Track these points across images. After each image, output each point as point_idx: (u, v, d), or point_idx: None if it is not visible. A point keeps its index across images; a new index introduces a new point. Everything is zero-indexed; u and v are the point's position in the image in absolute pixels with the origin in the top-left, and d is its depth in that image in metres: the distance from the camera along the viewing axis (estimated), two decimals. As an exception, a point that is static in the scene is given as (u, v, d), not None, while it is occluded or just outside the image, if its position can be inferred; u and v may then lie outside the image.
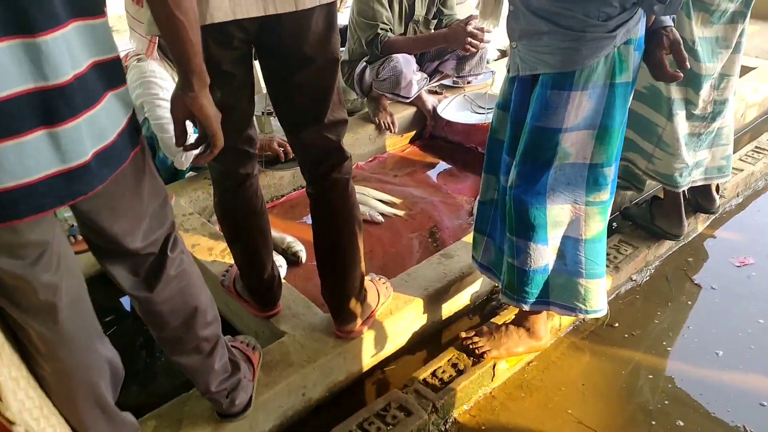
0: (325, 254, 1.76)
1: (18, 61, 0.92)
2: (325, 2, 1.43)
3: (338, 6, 1.48)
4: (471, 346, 1.91)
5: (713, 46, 1.99)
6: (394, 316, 1.95)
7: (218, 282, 2.07)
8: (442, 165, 3.16)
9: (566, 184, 1.67)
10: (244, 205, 1.74)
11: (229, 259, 2.09)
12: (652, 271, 2.38)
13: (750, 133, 3.41)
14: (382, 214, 2.69)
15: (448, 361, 1.90)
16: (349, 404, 1.85)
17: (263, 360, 1.78)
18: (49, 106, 0.97)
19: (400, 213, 2.73)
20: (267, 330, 1.95)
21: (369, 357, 1.94)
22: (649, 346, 2.05)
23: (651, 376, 1.94)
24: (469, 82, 3.25)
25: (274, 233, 2.52)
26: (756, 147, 2.96)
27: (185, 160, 2.42)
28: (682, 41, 1.58)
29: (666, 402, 1.85)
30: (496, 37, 3.97)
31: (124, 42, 2.44)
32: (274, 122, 2.60)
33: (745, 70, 3.31)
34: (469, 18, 2.76)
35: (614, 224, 2.49)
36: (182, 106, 1.21)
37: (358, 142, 3.07)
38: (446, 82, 3.35)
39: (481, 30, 2.75)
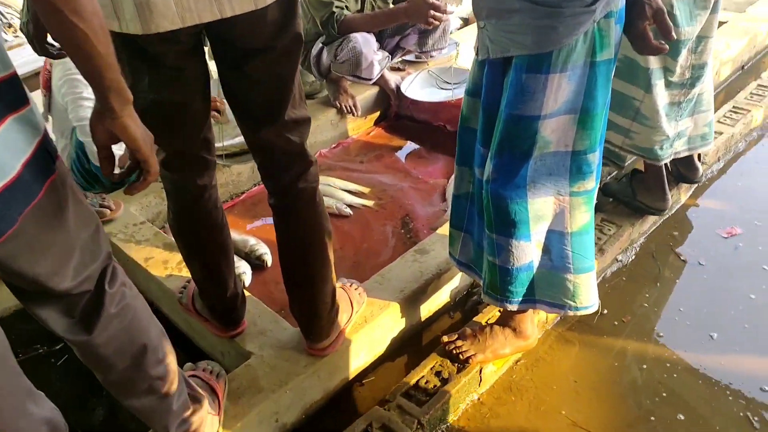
0: (292, 271, 1.60)
1: None
2: None
3: None
4: (455, 351, 1.77)
5: (691, 8, 1.84)
6: (370, 324, 1.80)
7: (176, 299, 1.89)
8: (410, 146, 3.00)
9: (548, 175, 1.52)
10: (203, 220, 1.56)
11: (187, 273, 1.91)
12: (638, 249, 2.26)
13: (725, 91, 3.30)
14: (350, 206, 2.53)
15: (431, 369, 1.76)
16: (327, 425, 1.71)
17: (230, 387, 1.62)
18: None
19: (369, 203, 2.57)
20: (232, 350, 1.80)
21: (346, 371, 1.79)
22: (640, 333, 1.94)
23: (645, 366, 1.83)
24: (432, 57, 3.07)
25: (236, 236, 2.35)
26: (734, 107, 2.85)
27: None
28: (665, 9, 1.43)
29: (664, 394, 1.74)
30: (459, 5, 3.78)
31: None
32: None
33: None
34: (429, -11, 2.57)
35: (594, 201, 2.37)
36: (102, 129, 1.03)
37: (319, 128, 2.88)
38: (408, 57, 3.16)
39: (443, 1, 2.56)
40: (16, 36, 4.93)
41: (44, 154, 1.00)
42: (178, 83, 1.31)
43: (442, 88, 3.03)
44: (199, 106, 1.40)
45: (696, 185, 2.49)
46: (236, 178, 2.64)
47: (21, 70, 1.25)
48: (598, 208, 2.30)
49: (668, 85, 1.97)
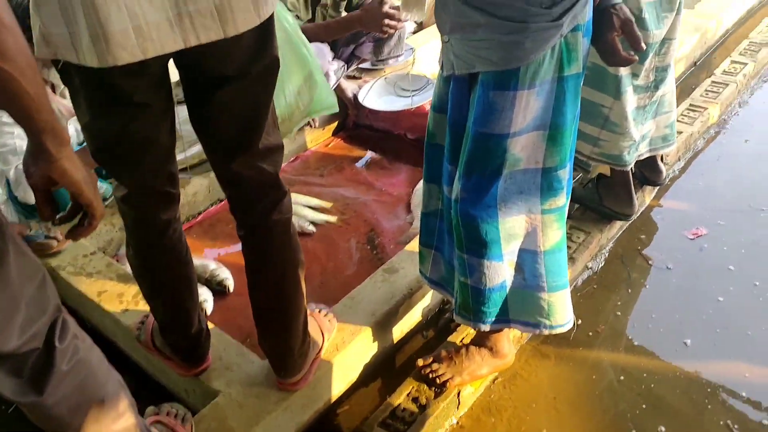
0: (264, 308, 1.51)
1: None
2: (264, 18, 1.16)
3: None
4: (431, 375, 1.72)
5: (658, 11, 1.83)
6: (342, 352, 1.73)
7: (133, 336, 1.79)
8: (371, 156, 2.93)
9: (519, 193, 1.48)
10: (167, 256, 1.45)
11: (144, 305, 1.80)
12: (606, 255, 2.24)
13: (679, 88, 3.31)
14: (313, 223, 2.45)
15: (408, 395, 1.70)
16: (302, 462, 1.64)
17: (197, 429, 1.53)
18: None
19: (333, 219, 2.49)
20: (198, 388, 1.70)
21: (319, 403, 1.72)
22: (615, 342, 1.92)
23: (623, 378, 1.81)
24: (388, 64, 3.01)
25: (195, 260, 2.23)
26: (691, 105, 2.87)
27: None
28: (633, 19, 1.40)
29: (644, 406, 1.72)
30: (412, 9, 3.72)
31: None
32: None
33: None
34: (383, -4, 2.50)
35: (566, 217, 2.35)
36: (38, 173, 0.93)
37: (276, 142, 2.78)
38: (364, 65, 3.09)
39: (397, 9, 2.50)
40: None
41: None
42: (143, 119, 1.21)
43: (401, 96, 2.97)
44: (165, 140, 1.29)
45: (659, 186, 2.49)
46: (192, 198, 2.53)
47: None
48: (565, 215, 2.29)
49: (635, 89, 1.95)
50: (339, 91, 2.93)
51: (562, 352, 1.90)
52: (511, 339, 1.79)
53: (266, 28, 1.19)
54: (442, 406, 1.66)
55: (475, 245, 1.51)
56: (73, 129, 2.19)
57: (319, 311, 1.78)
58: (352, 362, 1.80)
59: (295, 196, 2.56)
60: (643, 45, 1.39)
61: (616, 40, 1.39)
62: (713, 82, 3.05)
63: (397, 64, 3.06)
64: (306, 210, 2.51)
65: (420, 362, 1.75)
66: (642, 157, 2.15)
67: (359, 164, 2.86)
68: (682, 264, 2.18)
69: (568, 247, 2.12)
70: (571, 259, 2.09)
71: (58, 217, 1.01)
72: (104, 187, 2.19)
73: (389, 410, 1.66)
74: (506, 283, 1.57)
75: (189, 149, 2.42)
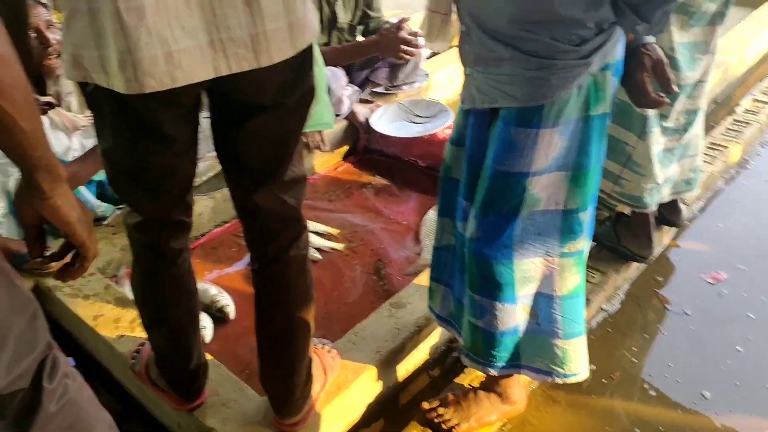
0: (269, 346, 1.44)
1: None
2: (300, 49, 1.10)
3: None
4: (437, 420, 1.64)
5: (693, 52, 1.76)
6: (344, 391, 1.65)
7: (128, 365, 1.71)
8: (380, 183, 2.86)
9: (536, 235, 1.41)
10: (174, 286, 1.39)
11: (141, 332, 1.73)
12: (623, 297, 2.16)
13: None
14: (319, 250, 2.38)
15: (412, 441, 1.62)
16: None
17: (188, 470, 1.45)
18: None
19: (339, 246, 2.42)
20: (191, 424, 1.62)
21: (318, 445, 1.63)
22: (630, 391, 1.83)
23: (637, 429, 1.72)
24: (403, 90, 2.95)
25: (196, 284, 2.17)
26: (711, 143, 2.79)
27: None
28: (666, 60, 1.33)
29: (660, 464, 1.63)
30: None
31: None
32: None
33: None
34: (401, 22, 2.46)
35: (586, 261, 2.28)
36: (29, 209, 0.87)
37: (285, 164, 2.72)
38: (378, 89, 3.04)
39: (415, 35, 2.45)
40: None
41: None
42: (167, 151, 1.16)
43: (413, 122, 2.91)
44: (186, 171, 1.23)
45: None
46: (196, 219, 2.43)
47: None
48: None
49: (664, 131, 1.88)
50: (351, 115, 2.88)
51: (574, 399, 1.81)
52: (522, 385, 1.71)
53: (305, 58, 1.14)
54: (447, 453, 1.58)
55: (488, 286, 1.44)
56: (78, 143, 2.14)
57: (322, 347, 1.70)
58: (354, 402, 1.72)
59: (301, 221, 2.50)
60: (675, 87, 1.33)
61: (647, 81, 1.32)
62: (735, 120, 2.98)
63: (411, 89, 3.01)
64: (312, 236, 2.43)
65: (425, 406, 1.67)
66: (664, 201, 2.08)
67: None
68: (700, 309, 2.10)
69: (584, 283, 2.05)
70: (586, 300, 1.99)
71: (48, 255, 0.94)
72: (104, 206, 2.13)
73: (392, 456, 1.58)
74: (519, 327, 1.50)
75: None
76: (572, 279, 1.46)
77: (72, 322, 1.95)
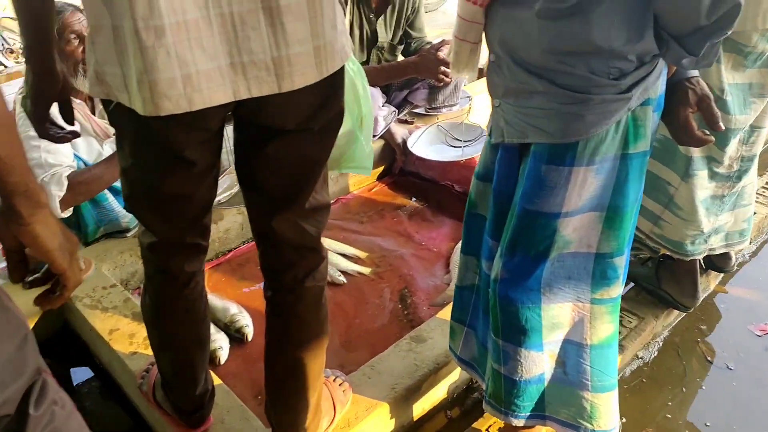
0: (278, 378, 1.39)
1: None
2: (324, 76, 1.06)
3: None
4: (450, 467, 1.54)
5: (745, 95, 1.63)
6: (354, 428, 1.57)
7: (137, 383, 1.67)
8: (414, 206, 2.79)
9: (567, 279, 1.31)
10: (185, 311, 1.35)
11: (154, 350, 1.69)
12: (661, 344, 2.03)
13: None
14: (345, 273, 2.32)
15: (423, 487, 1.53)
16: None
17: (186, 502, 1.39)
18: None
19: (366, 271, 2.35)
20: (194, 451, 1.56)
21: (323, 484, 1.56)
22: (663, 450, 1.70)
23: (669, 495, 1.59)
24: (442, 112, 2.88)
25: (216, 301, 2.13)
26: (767, 183, 2.63)
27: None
28: (711, 95, 1.23)
29: None
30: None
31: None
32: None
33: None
34: (442, 43, 2.40)
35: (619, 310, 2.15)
36: (8, 233, 0.82)
37: (317, 183, 2.68)
38: (418, 110, 2.97)
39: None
40: (18, 62, 4.82)
41: None
42: (186, 175, 1.12)
43: (452, 146, 2.83)
44: (204, 195, 1.19)
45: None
46: (223, 235, 2.44)
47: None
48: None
49: (713, 176, 1.75)
50: (388, 135, 2.82)
51: (602, 454, 1.69)
52: (544, 435, 1.60)
53: (334, 82, 1.09)
54: (459, 505, 1.48)
55: (513, 331, 1.35)
56: (110, 150, 2.14)
57: (334, 379, 1.63)
58: (365, 440, 1.64)
59: (329, 243, 2.45)
60: (721, 125, 1.21)
61: (690, 117, 1.22)
62: (792, 160, 2.80)
63: (451, 112, 2.93)
64: (339, 258, 2.38)
65: (440, 450, 1.58)
66: (715, 252, 1.94)
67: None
68: (745, 364, 1.95)
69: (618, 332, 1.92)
70: (620, 346, 1.88)
71: (29, 280, 0.90)
72: (129, 217, 2.12)
73: (400, 502, 1.49)
74: (545, 375, 1.40)
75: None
76: (604, 328, 1.36)
77: (89, 335, 1.93)
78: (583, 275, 1.31)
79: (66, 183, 1.92)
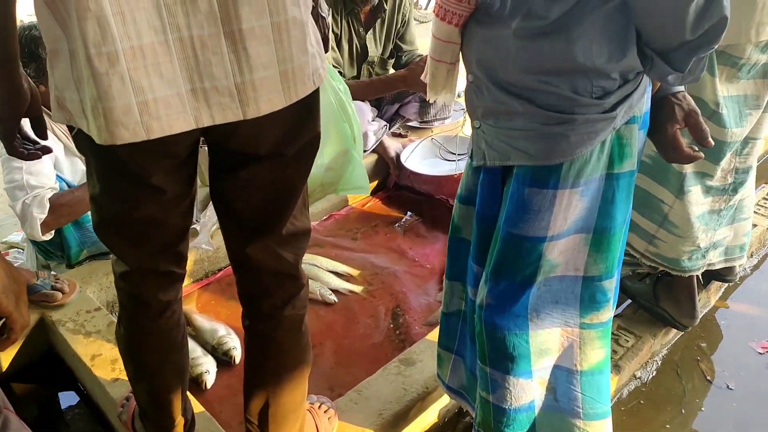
0: (256, 411, 1.34)
1: None
2: (295, 100, 1.01)
3: None
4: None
5: (741, 107, 1.58)
6: (339, 457, 1.53)
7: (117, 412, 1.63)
8: (409, 221, 2.74)
9: (554, 303, 1.26)
10: (161, 341, 1.31)
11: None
12: (659, 363, 1.97)
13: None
14: (336, 291, 2.27)
15: None
16: None
17: None
18: None
19: (358, 289, 2.30)
20: (175, 483, 1.51)
21: None
22: (661, 476, 1.65)
23: None
24: (435, 125, 2.84)
25: (204, 323, 2.09)
26: (767, 195, 2.57)
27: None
28: (699, 110, 1.18)
29: None
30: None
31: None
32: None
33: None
34: (431, 57, 2.35)
35: (611, 335, 2.09)
36: None
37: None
38: (411, 123, 2.93)
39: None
40: None
41: None
42: (154, 203, 1.08)
43: (446, 159, 2.79)
44: (176, 223, 1.15)
45: (727, 284, 2.20)
46: (213, 254, 2.39)
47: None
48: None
49: (707, 190, 1.70)
50: (381, 149, 2.78)
51: (598, 480, 1.63)
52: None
53: (308, 105, 1.05)
54: None
55: (501, 359, 1.30)
56: None
57: (319, 406, 1.58)
58: (351, 469, 1.59)
59: (320, 260, 2.41)
60: (710, 140, 1.17)
61: (678, 134, 1.17)
62: (794, 169, 2.75)
63: (444, 125, 2.89)
64: (330, 276, 2.33)
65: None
66: (714, 267, 1.88)
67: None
68: (746, 384, 1.89)
69: (614, 352, 1.87)
70: (617, 366, 1.82)
71: None
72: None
73: None
74: (535, 403, 1.35)
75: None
76: (595, 354, 1.30)
77: (72, 359, 1.88)
78: (571, 299, 1.26)
79: (48, 205, 1.89)
